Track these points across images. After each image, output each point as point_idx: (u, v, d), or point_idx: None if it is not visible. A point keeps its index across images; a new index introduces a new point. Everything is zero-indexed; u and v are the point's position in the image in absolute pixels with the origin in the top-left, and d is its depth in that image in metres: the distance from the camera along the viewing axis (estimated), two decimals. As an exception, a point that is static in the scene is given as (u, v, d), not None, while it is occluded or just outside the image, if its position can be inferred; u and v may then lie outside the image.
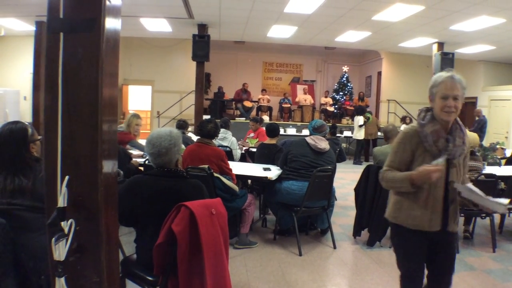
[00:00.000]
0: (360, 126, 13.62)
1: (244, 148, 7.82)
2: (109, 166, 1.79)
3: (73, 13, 1.67)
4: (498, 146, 7.63)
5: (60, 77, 1.66)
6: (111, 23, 1.76)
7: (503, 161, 7.37)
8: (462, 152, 2.69)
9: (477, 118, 12.89)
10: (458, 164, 2.69)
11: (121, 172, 4.02)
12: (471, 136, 7.73)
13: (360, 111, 14.06)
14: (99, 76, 1.66)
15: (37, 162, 2.85)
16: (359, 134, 13.73)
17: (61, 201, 1.67)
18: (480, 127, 12.49)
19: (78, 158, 1.68)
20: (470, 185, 2.67)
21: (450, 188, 2.66)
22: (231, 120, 9.09)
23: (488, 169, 5.97)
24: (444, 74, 2.62)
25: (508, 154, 8.06)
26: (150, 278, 2.77)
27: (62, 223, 1.67)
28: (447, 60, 11.70)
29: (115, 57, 1.84)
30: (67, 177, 1.67)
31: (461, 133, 2.68)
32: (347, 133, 14.84)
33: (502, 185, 5.82)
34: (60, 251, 1.66)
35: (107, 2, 1.70)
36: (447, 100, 2.57)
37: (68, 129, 1.67)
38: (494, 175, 5.38)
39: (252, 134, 8.59)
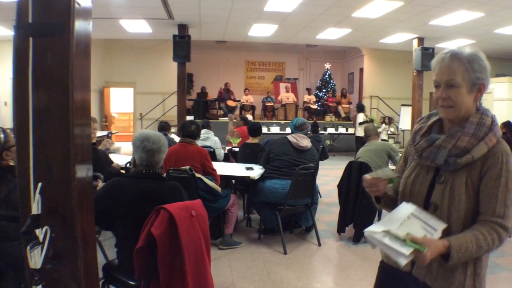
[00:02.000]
0: (360, 123, 13.63)
1: (227, 148, 7.81)
2: (82, 171, 1.76)
3: (41, 17, 1.64)
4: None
5: (30, 81, 1.64)
6: (81, 26, 1.73)
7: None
8: (448, 159, 1.74)
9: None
10: (452, 181, 1.74)
11: (101, 175, 3.98)
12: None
13: (361, 108, 14.08)
14: (70, 79, 1.64)
15: (9, 171, 2.74)
16: (361, 132, 13.71)
17: (35, 208, 1.65)
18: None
19: (50, 163, 1.66)
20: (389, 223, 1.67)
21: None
22: (214, 120, 9.06)
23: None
24: (443, 52, 1.80)
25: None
26: (131, 283, 2.75)
27: (37, 231, 1.65)
28: (428, 55, 11.78)
29: (87, 60, 1.82)
30: (40, 184, 1.64)
31: (463, 135, 1.72)
32: (330, 130, 14.89)
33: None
34: (35, 259, 1.64)
35: (76, 5, 1.67)
36: (439, 90, 1.78)
37: (40, 134, 1.64)
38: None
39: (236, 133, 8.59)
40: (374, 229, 1.64)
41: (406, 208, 1.75)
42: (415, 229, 1.64)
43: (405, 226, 1.64)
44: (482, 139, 1.71)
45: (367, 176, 1.91)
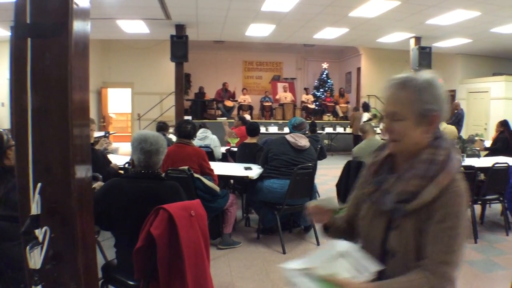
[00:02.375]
0: (365, 122, 13.59)
1: (225, 148, 7.80)
2: (82, 171, 1.76)
3: (40, 18, 1.65)
4: (477, 138, 7.71)
5: (29, 82, 1.64)
6: (80, 27, 1.74)
7: (482, 153, 7.49)
8: (396, 205, 1.58)
9: (455, 112, 13.02)
10: (404, 226, 1.57)
11: (100, 176, 3.97)
12: (449, 129, 7.85)
13: (366, 107, 14.06)
14: (68, 80, 1.64)
15: (9, 171, 2.74)
16: None
17: (35, 209, 1.65)
18: (458, 121, 12.60)
19: (49, 164, 1.66)
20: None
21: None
22: (212, 120, 9.02)
23: (467, 161, 6.05)
24: (394, 78, 1.63)
25: (487, 145, 8.18)
26: (131, 283, 2.75)
27: (36, 231, 1.65)
28: (425, 54, 11.82)
29: (85, 60, 1.82)
30: (39, 184, 1.64)
31: (412, 177, 1.55)
32: (328, 129, 14.88)
33: (481, 176, 5.87)
34: (35, 259, 1.64)
35: (75, 6, 1.68)
36: (385, 121, 1.63)
37: (39, 135, 1.65)
38: (473, 166, 5.43)
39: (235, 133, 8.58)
40: (293, 265, 1.48)
41: (340, 246, 1.56)
42: (343, 269, 1.48)
43: (331, 265, 1.48)
44: (433, 180, 1.52)
45: (310, 204, 1.83)
